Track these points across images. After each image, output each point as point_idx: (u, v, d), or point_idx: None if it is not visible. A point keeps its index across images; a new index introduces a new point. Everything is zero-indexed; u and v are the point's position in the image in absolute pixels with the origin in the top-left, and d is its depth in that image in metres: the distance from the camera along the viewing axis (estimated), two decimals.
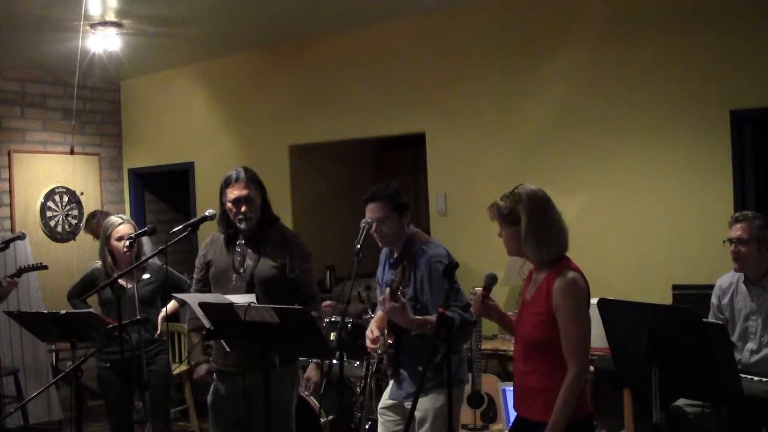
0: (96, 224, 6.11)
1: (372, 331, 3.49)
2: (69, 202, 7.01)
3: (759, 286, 3.70)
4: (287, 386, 3.59)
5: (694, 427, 3.73)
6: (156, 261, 4.23)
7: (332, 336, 4.50)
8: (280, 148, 6.52)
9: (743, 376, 3.33)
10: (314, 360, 4.49)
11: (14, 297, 5.64)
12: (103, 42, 5.53)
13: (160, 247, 3.60)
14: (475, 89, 5.46)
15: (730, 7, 4.47)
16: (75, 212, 7.04)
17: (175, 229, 3.54)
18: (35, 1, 4.88)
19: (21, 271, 4.74)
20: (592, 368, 3.75)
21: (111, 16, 5.29)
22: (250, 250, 3.58)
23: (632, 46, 4.79)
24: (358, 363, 4.78)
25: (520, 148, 5.26)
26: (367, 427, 4.48)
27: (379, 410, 3.53)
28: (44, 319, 3.78)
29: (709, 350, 2.55)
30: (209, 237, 3.79)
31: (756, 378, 3.45)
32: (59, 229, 6.91)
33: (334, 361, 3.88)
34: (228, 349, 3.42)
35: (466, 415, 4.49)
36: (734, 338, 3.73)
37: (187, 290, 4.11)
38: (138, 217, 7.45)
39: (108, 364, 4.20)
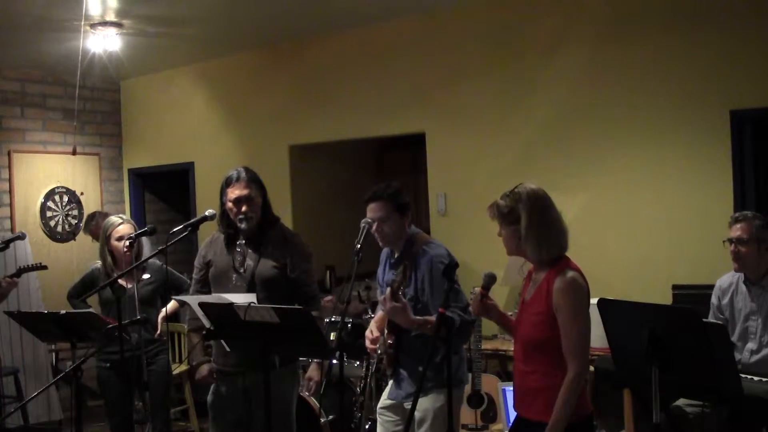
0: (95, 225, 6.11)
1: (372, 331, 3.49)
2: (69, 202, 7.01)
3: (759, 286, 3.70)
4: (287, 386, 3.59)
5: (694, 427, 3.73)
6: (156, 261, 4.23)
7: (332, 336, 4.50)
8: (280, 148, 6.52)
9: (743, 376, 3.33)
10: (315, 360, 4.49)
11: (14, 297, 5.64)
12: (103, 42, 5.53)
13: (160, 247, 3.61)
14: (475, 89, 5.45)
15: (730, 7, 4.47)
16: (75, 212, 7.04)
17: (175, 229, 3.54)
18: (35, 1, 4.88)
19: (21, 271, 4.73)
20: (592, 368, 3.76)
21: (111, 16, 5.29)
22: (250, 250, 3.58)
23: (632, 46, 4.79)
24: (358, 363, 4.79)
25: (520, 148, 5.26)
26: (366, 427, 4.48)
27: (377, 410, 3.53)
28: (44, 319, 3.77)
29: (709, 350, 2.55)
30: (209, 237, 3.78)
31: (756, 378, 3.45)
32: (59, 229, 6.91)
33: (334, 361, 3.88)
34: (228, 349, 3.43)
35: (466, 415, 4.48)
36: (734, 338, 3.73)
37: (187, 290, 4.11)
38: (138, 217, 7.45)
39: (108, 364, 4.20)
